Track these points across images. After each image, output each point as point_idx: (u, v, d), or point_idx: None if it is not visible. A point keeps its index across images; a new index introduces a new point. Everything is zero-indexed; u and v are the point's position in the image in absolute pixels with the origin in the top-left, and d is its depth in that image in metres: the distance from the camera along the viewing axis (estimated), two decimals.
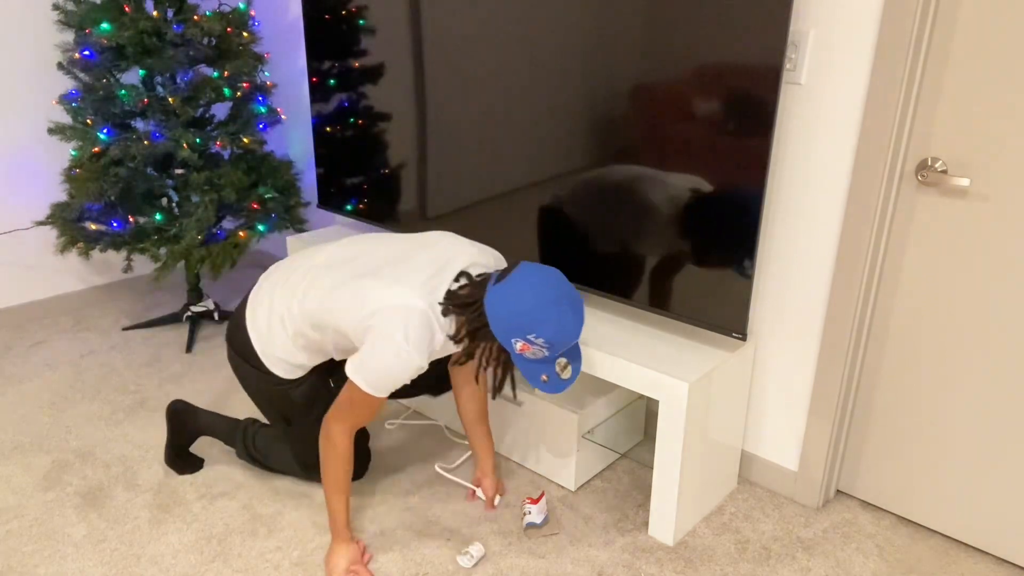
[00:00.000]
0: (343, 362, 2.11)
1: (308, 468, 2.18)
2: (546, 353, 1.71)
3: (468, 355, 1.83)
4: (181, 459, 2.34)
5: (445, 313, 1.76)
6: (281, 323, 1.95)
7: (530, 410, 2.31)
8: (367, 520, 2.16)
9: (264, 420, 2.44)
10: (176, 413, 2.29)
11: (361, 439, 2.24)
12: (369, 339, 1.74)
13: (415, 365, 1.73)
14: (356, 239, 2.01)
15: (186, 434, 2.31)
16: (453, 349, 1.87)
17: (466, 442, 2.51)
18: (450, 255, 1.85)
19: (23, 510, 2.19)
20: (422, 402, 2.65)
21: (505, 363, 1.79)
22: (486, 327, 1.72)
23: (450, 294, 1.78)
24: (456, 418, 2.53)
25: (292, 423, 2.10)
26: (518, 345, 1.70)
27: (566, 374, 1.78)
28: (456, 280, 1.80)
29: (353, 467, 1.94)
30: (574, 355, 1.82)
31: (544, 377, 1.75)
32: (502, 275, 1.73)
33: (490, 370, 1.86)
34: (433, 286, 1.77)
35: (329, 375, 2.14)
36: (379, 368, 1.73)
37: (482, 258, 1.89)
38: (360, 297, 1.78)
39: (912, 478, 2.15)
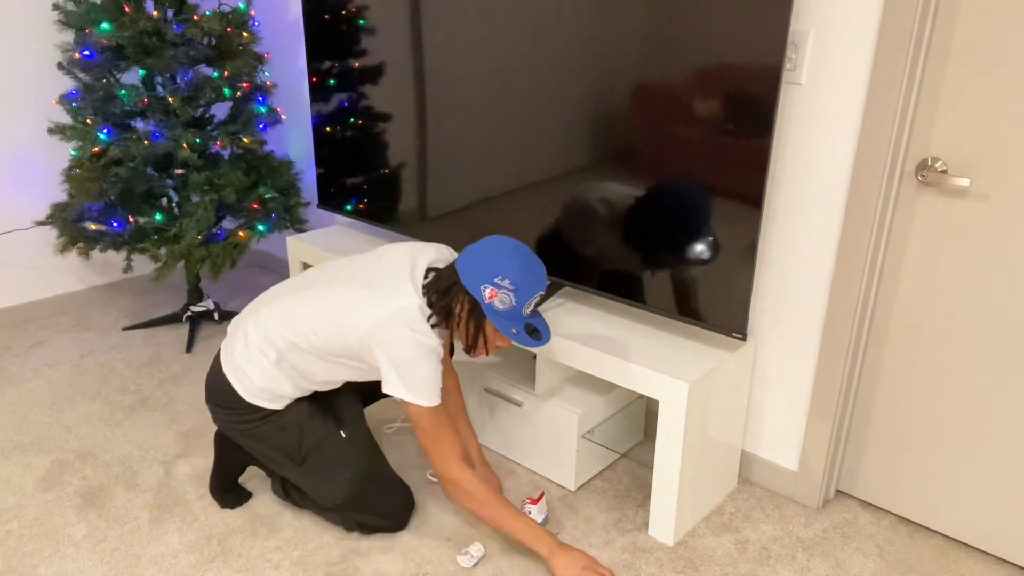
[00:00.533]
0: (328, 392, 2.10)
1: (327, 511, 2.09)
2: (514, 301, 1.81)
3: (446, 317, 1.87)
4: (230, 492, 2.21)
5: (429, 304, 1.84)
6: (260, 351, 1.94)
7: (530, 410, 2.31)
8: None
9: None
10: (225, 441, 2.16)
11: (398, 488, 2.13)
12: (384, 357, 1.80)
13: (435, 346, 1.81)
14: (319, 266, 2.04)
15: (236, 464, 2.20)
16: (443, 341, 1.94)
17: None
18: (413, 257, 1.93)
19: (23, 510, 2.19)
20: None
21: (478, 318, 1.85)
22: (457, 283, 1.83)
23: (426, 287, 1.86)
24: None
25: (301, 461, 2.01)
26: (487, 292, 1.80)
27: (535, 336, 1.90)
28: (425, 276, 1.89)
29: (396, 517, 2.09)
30: (541, 323, 1.92)
31: (514, 330, 1.84)
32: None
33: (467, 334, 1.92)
34: (412, 285, 1.85)
35: (318, 404, 2.06)
36: (416, 372, 1.81)
37: (441, 254, 1.97)
38: (354, 312, 1.83)
39: (912, 478, 2.15)
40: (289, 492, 2.16)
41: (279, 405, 1.99)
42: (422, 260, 1.91)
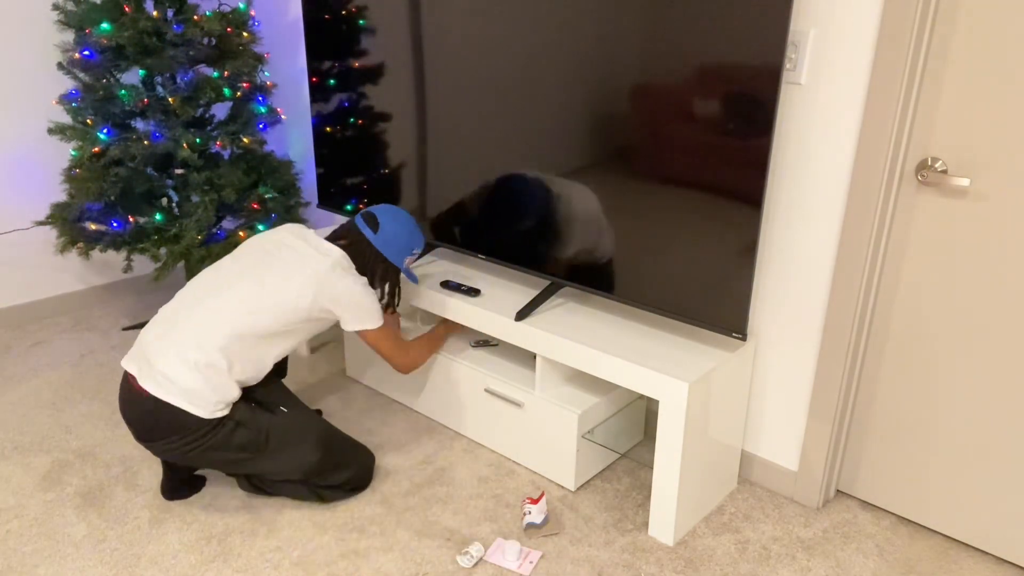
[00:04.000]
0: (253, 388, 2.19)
1: (298, 487, 2.19)
2: (416, 258, 2.39)
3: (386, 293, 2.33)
4: (185, 486, 2.24)
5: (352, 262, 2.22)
6: (212, 366, 1.98)
7: (530, 410, 2.31)
8: (367, 520, 2.16)
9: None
10: None
11: (350, 440, 2.29)
12: (339, 305, 2.11)
13: (366, 282, 2.19)
14: (215, 270, 2.15)
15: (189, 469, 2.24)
16: None
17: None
18: (300, 236, 2.19)
19: (23, 510, 2.19)
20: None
21: (394, 278, 2.30)
22: (386, 262, 2.25)
23: (344, 249, 2.20)
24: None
25: (265, 447, 2.08)
26: (406, 260, 2.30)
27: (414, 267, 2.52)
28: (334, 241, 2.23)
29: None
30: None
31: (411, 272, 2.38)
32: (368, 222, 2.23)
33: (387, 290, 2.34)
34: (325, 247, 2.16)
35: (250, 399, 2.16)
36: (366, 306, 2.15)
37: (306, 231, 2.25)
38: (296, 279, 2.05)
39: (912, 478, 2.15)
40: (255, 483, 2.21)
41: (228, 410, 2.03)
42: (308, 235, 2.20)
